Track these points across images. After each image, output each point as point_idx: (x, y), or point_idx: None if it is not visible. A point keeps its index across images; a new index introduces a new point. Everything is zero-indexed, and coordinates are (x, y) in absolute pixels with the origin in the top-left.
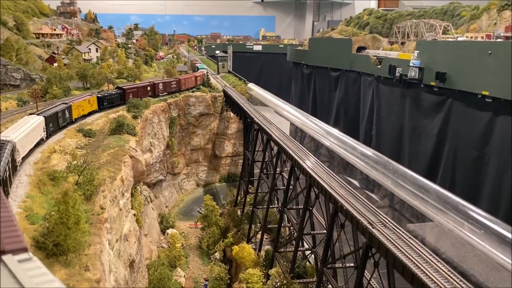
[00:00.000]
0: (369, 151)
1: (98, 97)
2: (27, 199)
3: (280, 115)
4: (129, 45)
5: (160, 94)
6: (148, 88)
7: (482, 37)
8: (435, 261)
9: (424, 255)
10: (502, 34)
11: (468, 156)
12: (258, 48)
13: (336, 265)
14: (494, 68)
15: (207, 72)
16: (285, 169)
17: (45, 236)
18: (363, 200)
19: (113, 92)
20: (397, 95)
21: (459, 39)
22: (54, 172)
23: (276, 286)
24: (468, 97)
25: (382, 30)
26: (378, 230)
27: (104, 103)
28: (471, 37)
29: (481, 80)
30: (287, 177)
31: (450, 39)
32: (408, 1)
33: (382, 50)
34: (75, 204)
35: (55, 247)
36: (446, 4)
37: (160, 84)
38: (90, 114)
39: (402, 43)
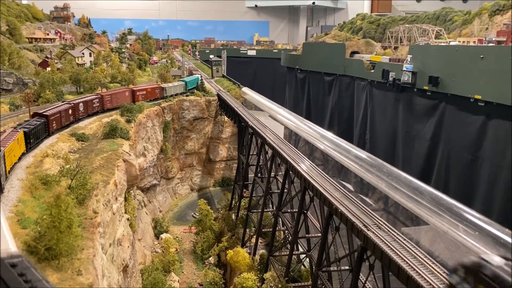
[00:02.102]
0: (363, 154)
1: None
2: (18, 204)
3: (274, 119)
4: (123, 50)
5: (81, 118)
6: (70, 112)
7: (474, 42)
8: (430, 263)
9: (419, 257)
10: (493, 39)
11: (461, 159)
12: (252, 53)
13: (331, 269)
14: (486, 72)
15: (201, 77)
16: (280, 172)
17: (37, 240)
18: (358, 202)
19: (37, 123)
20: (391, 99)
21: (452, 43)
22: (47, 176)
23: None
24: (461, 101)
25: (375, 35)
26: (373, 233)
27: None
28: (463, 42)
29: (474, 84)
30: (281, 180)
31: (442, 44)
32: (401, 6)
33: (376, 54)
34: (67, 208)
35: (47, 251)
36: (438, 9)
37: (81, 104)
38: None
39: (395, 48)
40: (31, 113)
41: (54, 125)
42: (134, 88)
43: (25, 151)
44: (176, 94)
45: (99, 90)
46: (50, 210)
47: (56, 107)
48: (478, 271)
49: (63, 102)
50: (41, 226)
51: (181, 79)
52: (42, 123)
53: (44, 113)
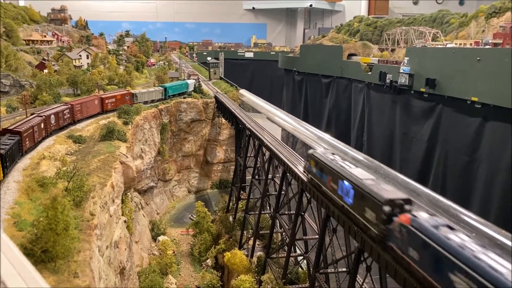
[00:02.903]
0: (360, 155)
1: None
2: (15, 206)
3: (271, 121)
4: (120, 52)
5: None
6: (42, 126)
7: (471, 44)
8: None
9: None
10: (490, 41)
11: (459, 161)
12: (249, 55)
13: (329, 270)
14: (483, 75)
15: (198, 78)
16: (277, 174)
17: (33, 243)
18: None
19: (11, 141)
20: (388, 101)
21: (448, 46)
22: (43, 179)
23: None
24: (458, 103)
25: (373, 37)
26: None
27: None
28: (460, 44)
29: (470, 86)
30: (279, 182)
31: (439, 46)
32: (397, 8)
33: (373, 56)
34: (64, 210)
35: (43, 253)
36: (435, 11)
37: (52, 116)
38: None
39: (392, 50)
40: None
41: (27, 142)
42: (103, 96)
43: (1, 178)
44: (152, 101)
45: (96, 92)
46: (47, 212)
47: (27, 120)
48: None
49: (32, 114)
50: (37, 228)
51: (160, 85)
52: (16, 142)
53: (16, 129)
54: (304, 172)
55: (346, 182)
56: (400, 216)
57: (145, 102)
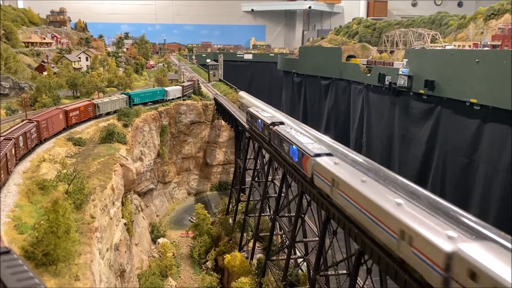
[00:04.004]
0: (359, 157)
1: None
2: (15, 209)
3: None
4: (120, 54)
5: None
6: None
7: (470, 46)
8: None
9: None
10: (489, 43)
11: (458, 163)
12: (248, 57)
13: (329, 273)
14: (482, 76)
15: (197, 80)
16: (277, 176)
17: (34, 246)
18: None
19: None
20: (387, 103)
21: (447, 47)
22: (44, 181)
23: None
24: (457, 104)
25: (371, 39)
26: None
27: None
28: (459, 46)
29: (469, 88)
30: (279, 184)
31: (438, 48)
32: (396, 10)
33: (372, 58)
34: (65, 213)
35: (44, 256)
36: (434, 13)
37: (20, 138)
38: None
39: (391, 52)
40: None
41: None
42: (67, 108)
43: None
44: (115, 112)
45: (95, 95)
46: (48, 215)
47: None
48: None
49: None
50: (38, 232)
51: (124, 92)
52: None
53: None
54: (247, 122)
55: (259, 121)
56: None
57: (108, 113)
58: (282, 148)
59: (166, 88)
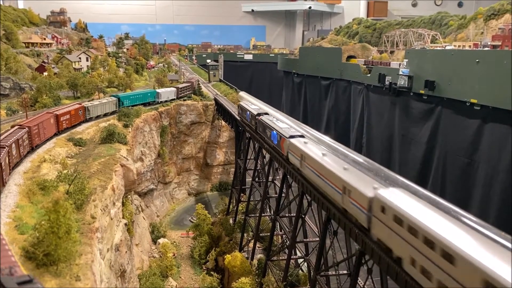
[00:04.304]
0: (360, 158)
1: None
2: (16, 209)
3: None
4: (120, 54)
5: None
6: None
7: (470, 46)
8: None
9: None
10: (489, 43)
11: (458, 163)
12: (249, 57)
13: (329, 273)
14: (482, 76)
15: (197, 81)
16: (278, 177)
17: (35, 246)
18: None
19: None
20: (387, 103)
21: (447, 48)
22: (44, 182)
23: None
24: (457, 105)
25: (372, 39)
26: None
27: None
28: (459, 46)
29: (469, 88)
30: (279, 185)
31: (438, 48)
32: (396, 10)
33: (372, 58)
34: (66, 213)
35: (45, 257)
36: (434, 13)
37: (13, 145)
38: None
39: (391, 52)
40: None
41: None
42: (58, 112)
43: None
44: (105, 115)
45: (96, 95)
46: (49, 215)
47: None
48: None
49: None
50: (39, 232)
51: (113, 94)
52: None
53: None
54: (238, 115)
55: (248, 113)
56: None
57: (98, 117)
58: (265, 133)
59: (157, 90)
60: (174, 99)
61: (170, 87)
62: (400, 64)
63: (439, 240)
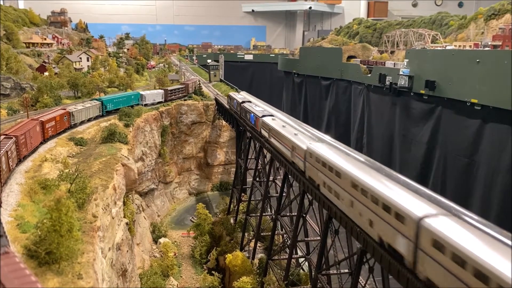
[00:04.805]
0: (361, 157)
1: None
2: (18, 208)
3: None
4: (120, 54)
5: None
6: None
7: (470, 46)
8: None
9: None
10: (489, 43)
11: (458, 163)
12: (249, 57)
13: (331, 272)
14: (482, 76)
15: (198, 81)
16: (278, 176)
17: (37, 244)
18: None
19: None
20: (387, 103)
21: (448, 48)
22: (46, 181)
23: None
24: (457, 105)
25: (372, 39)
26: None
27: None
28: (460, 46)
29: (470, 88)
30: (280, 184)
31: (439, 48)
32: (397, 10)
33: (372, 59)
34: (68, 212)
35: (47, 255)
36: (434, 13)
37: (2, 158)
38: None
39: (392, 52)
40: None
41: None
42: (43, 119)
43: None
44: (89, 120)
45: (97, 94)
46: (51, 214)
47: None
48: None
49: None
50: (41, 230)
51: (96, 98)
52: None
53: None
54: (228, 104)
55: (235, 101)
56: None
57: (82, 122)
58: (246, 117)
59: (141, 92)
60: (161, 102)
61: (158, 89)
62: (394, 64)
63: (335, 165)
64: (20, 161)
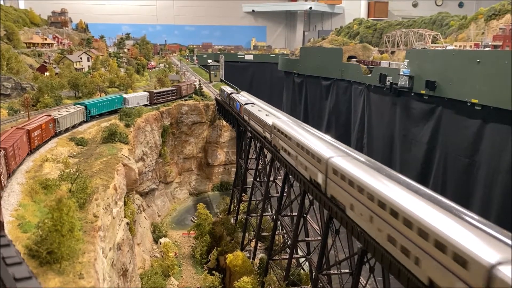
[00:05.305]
0: (362, 157)
1: None
2: (19, 208)
3: None
4: (121, 55)
5: None
6: None
7: (471, 46)
8: None
9: None
10: (489, 43)
11: (459, 163)
12: (249, 57)
13: (331, 272)
14: (483, 77)
15: (199, 81)
16: (279, 176)
17: (38, 244)
18: None
19: None
20: (388, 103)
21: (448, 48)
22: (47, 181)
23: None
24: (458, 105)
25: (372, 39)
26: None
27: None
28: (460, 46)
29: (470, 88)
30: (281, 184)
31: (439, 48)
32: (397, 11)
33: (373, 59)
34: (69, 211)
35: (48, 255)
36: (434, 14)
37: None
38: None
39: (392, 52)
40: None
41: None
42: (30, 127)
43: None
44: (74, 127)
45: (97, 94)
46: (52, 213)
47: None
48: None
49: None
50: (42, 230)
51: (79, 102)
52: None
53: None
54: (219, 95)
55: (225, 93)
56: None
57: (67, 130)
58: (233, 105)
59: (124, 96)
60: (147, 105)
61: (145, 91)
62: (389, 64)
63: (288, 133)
64: (9, 176)
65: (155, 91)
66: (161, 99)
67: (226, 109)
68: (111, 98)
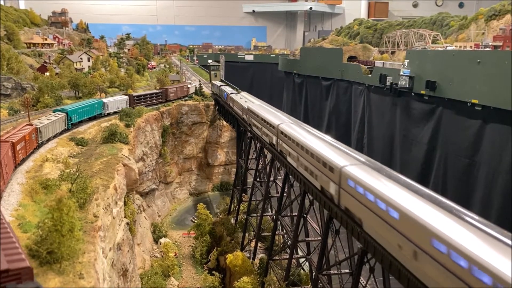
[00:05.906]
0: (362, 157)
1: None
2: (19, 208)
3: None
4: (121, 55)
5: None
6: None
7: (471, 47)
8: None
9: None
10: (490, 44)
11: (459, 163)
12: (249, 58)
13: (331, 272)
14: (483, 77)
15: (199, 81)
16: (279, 177)
17: (38, 244)
18: None
19: None
20: (388, 103)
21: (448, 48)
22: (47, 181)
23: None
24: (458, 105)
25: (372, 39)
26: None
27: None
28: (460, 47)
29: (471, 88)
30: (281, 184)
31: (439, 49)
32: (397, 11)
33: (373, 59)
34: (69, 211)
35: (48, 255)
36: (435, 14)
37: None
38: None
39: (392, 53)
40: None
41: None
42: (14, 140)
43: None
44: (55, 136)
45: (97, 95)
46: (52, 213)
47: None
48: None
49: None
50: (42, 230)
51: (58, 109)
52: None
53: None
54: (211, 89)
55: (216, 86)
56: (231, 94)
57: (48, 140)
58: (222, 95)
59: (104, 100)
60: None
61: (124, 94)
62: (383, 63)
63: (258, 114)
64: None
65: (134, 94)
66: (142, 103)
67: (217, 100)
68: (91, 103)
